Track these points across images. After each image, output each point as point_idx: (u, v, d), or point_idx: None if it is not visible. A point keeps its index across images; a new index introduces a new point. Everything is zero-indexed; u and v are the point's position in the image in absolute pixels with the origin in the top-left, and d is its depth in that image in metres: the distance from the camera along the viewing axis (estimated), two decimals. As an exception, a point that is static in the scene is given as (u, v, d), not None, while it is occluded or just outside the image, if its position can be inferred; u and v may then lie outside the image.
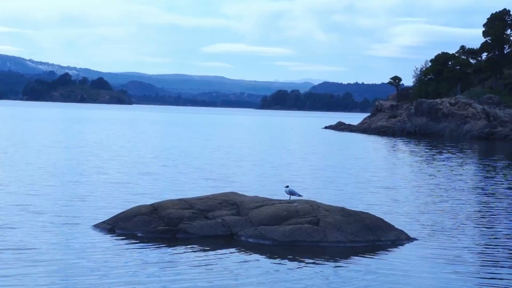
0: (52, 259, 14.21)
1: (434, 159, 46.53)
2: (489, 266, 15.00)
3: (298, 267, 14.36)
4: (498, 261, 15.44)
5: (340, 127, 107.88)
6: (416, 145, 66.03)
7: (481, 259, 15.71)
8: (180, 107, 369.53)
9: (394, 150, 58.83)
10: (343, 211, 17.68)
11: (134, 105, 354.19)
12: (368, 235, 17.01)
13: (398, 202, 24.54)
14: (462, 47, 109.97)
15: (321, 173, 35.10)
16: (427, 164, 42.17)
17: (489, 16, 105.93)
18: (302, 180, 30.49)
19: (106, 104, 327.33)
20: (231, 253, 15.45)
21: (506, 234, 18.74)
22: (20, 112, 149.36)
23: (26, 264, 13.73)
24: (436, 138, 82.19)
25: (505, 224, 20.35)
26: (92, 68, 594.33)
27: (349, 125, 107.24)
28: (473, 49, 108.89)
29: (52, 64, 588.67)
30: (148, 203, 18.59)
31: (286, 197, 18.47)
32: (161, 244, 16.06)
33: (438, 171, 37.70)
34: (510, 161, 46.78)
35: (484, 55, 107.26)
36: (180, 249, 15.65)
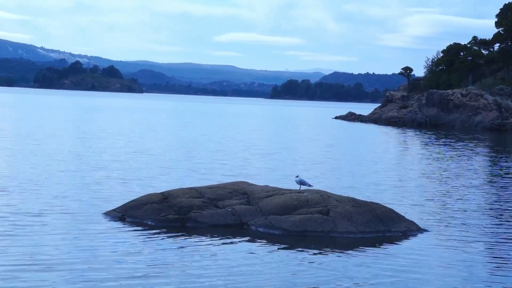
0: (60, 248, 14.22)
1: (445, 151, 46.33)
2: (500, 257, 14.91)
3: (308, 257, 14.32)
4: (509, 252, 15.34)
5: (350, 117, 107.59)
6: (427, 136, 65.76)
7: (492, 251, 15.61)
8: (191, 96, 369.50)
9: (405, 141, 58.63)
10: (353, 201, 17.61)
11: (144, 94, 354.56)
12: (379, 225, 16.94)
13: (409, 193, 24.45)
14: (474, 38, 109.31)
15: (332, 163, 35.01)
16: (438, 155, 41.99)
17: (502, 7, 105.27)
18: (313, 170, 30.41)
19: (116, 93, 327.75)
20: (240, 242, 15.42)
21: (517, 226, 18.64)
22: (31, 100, 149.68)
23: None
24: (447, 129, 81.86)
25: (517, 216, 20.24)
26: (103, 56, 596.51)
27: (360, 115, 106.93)
28: (486, 39, 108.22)
29: (63, 52, 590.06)
30: (159, 192, 18.57)
31: (297, 187, 18.41)
32: (171, 232, 16.04)
33: (449, 162, 37.54)
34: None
35: (496, 46, 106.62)
36: (190, 238, 15.63)
